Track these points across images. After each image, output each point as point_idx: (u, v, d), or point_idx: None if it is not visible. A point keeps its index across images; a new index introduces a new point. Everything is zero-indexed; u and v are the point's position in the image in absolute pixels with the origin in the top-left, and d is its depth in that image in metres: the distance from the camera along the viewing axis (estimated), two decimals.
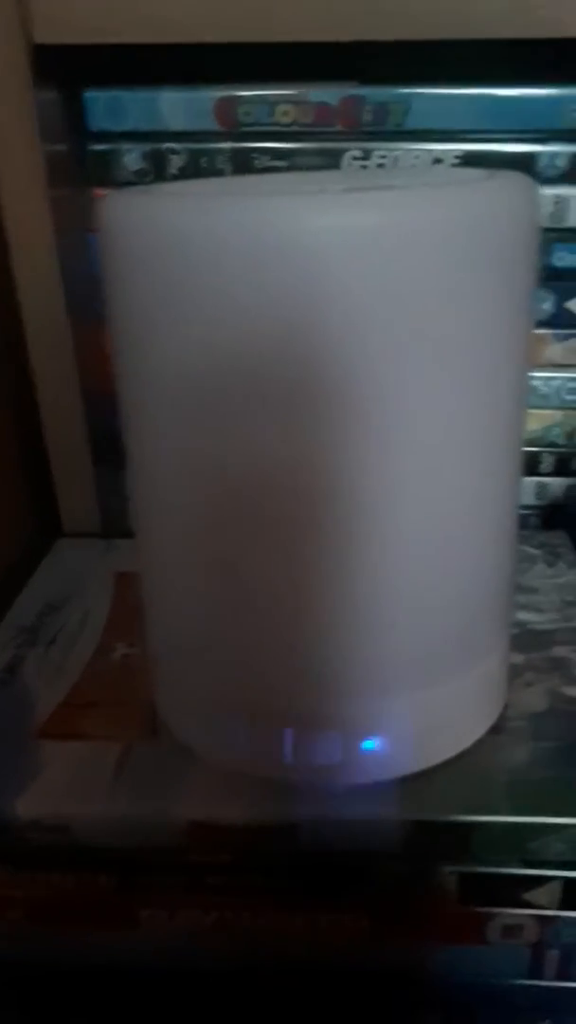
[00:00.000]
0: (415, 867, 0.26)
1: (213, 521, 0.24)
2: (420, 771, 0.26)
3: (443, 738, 0.27)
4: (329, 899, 0.27)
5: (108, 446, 0.42)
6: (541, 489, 0.44)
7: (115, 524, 0.44)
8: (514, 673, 0.31)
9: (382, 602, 0.24)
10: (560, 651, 0.32)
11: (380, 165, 0.37)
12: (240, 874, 0.27)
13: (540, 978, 0.28)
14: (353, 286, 0.19)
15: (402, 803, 0.25)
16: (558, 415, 0.42)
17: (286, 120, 0.37)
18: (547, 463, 0.43)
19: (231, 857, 0.27)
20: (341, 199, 0.19)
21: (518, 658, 0.32)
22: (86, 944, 0.29)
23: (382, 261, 0.19)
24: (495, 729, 0.28)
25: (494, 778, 0.26)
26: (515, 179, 0.22)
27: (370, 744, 0.25)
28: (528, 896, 0.26)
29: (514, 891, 0.26)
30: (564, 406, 0.42)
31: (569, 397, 0.41)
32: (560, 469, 0.43)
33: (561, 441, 0.43)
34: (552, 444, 0.43)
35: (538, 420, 0.42)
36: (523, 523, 0.44)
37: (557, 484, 0.44)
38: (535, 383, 0.41)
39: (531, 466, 0.43)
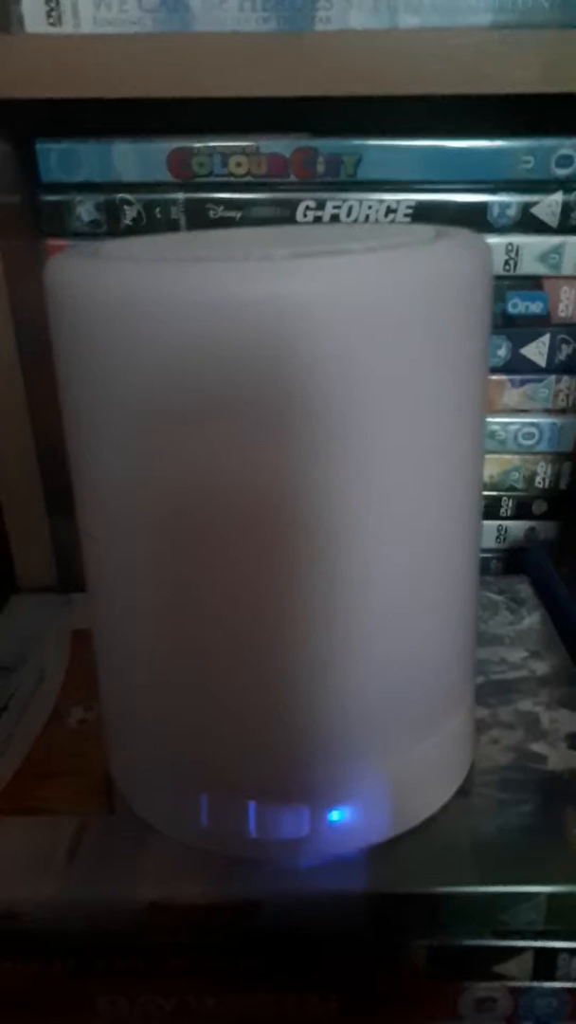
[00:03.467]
0: (383, 942, 0.26)
1: (169, 580, 0.23)
2: (387, 840, 0.25)
3: (410, 805, 0.26)
4: (295, 979, 0.26)
5: (63, 499, 0.41)
6: (501, 533, 0.44)
7: (72, 579, 0.43)
8: (480, 729, 0.30)
9: (351, 665, 0.23)
10: (525, 704, 0.32)
11: (334, 216, 0.38)
12: (202, 956, 0.26)
13: None
14: (296, 352, 0.19)
15: (368, 876, 0.25)
16: (516, 459, 0.42)
17: (240, 171, 0.37)
18: (507, 507, 0.43)
19: (192, 938, 0.25)
20: (283, 267, 0.19)
21: (483, 712, 0.31)
22: None
23: (325, 329, 0.19)
24: (462, 791, 0.27)
25: (462, 846, 0.25)
26: (463, 240, 0.22)
27: (336, 815, 0.25)
28: (500, 968, 0.26)
29: (485, 963, 0.26)
30: (522, 450, 0.42)
31: (526, 441, 0.42)
32: (520, 512, 0.43)
33: (520, 485, 0.43)
34: (511, 488, 0.43)
35: (497, 464, 0.42)
36: (485, 567, 0.44)
37: (517, 527, 0.44)
38: (493, 428, 0.41)
39: (492, 510, 0.43)
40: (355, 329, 0.19)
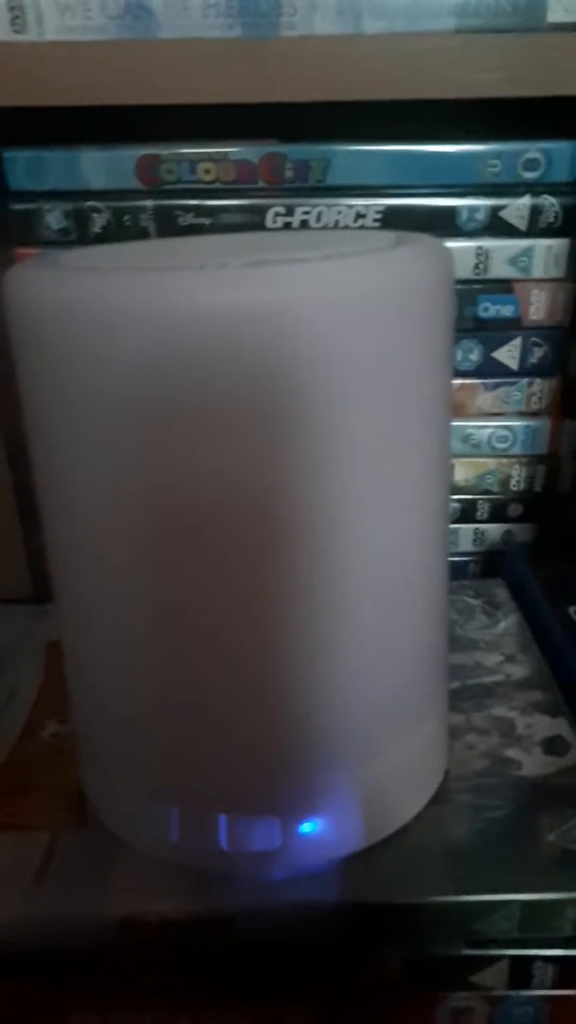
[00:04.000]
0: (358, 953, 0.25)
1: (139, 597, 0.23)
2: (360, 851, 0.25)
3: (383, 814, 0.26)
4: (271, 993, 0.26)
5: (37, 508, 0.41)
6: (478, 536, 0.44)
7: (47, 588, 0.42)
8: (454, 734, 0.30)
9: (322, 675, 0.23)
10: (500, 709, 0.32)
11: (304, 222, 0.37)
12: (176, 972, 0.26)
13: None
14: (253, 361, 0.19)
15: (342, 887, 0.24)
16: (491, 463, 0.42)
17: (208, 178, 0.37)
18: (482, 510, 0.43)
19: (165, 953, 0.25)
20: (238, 276, 0.19)
21: (458, 718, 0.31)
22: None
23: (281, 337, 0.19)
24: (436, 799, 0.27)
25: (436, 855, 0.25)
26: (423, 245, 0.22)
27: (308, 827, 0.24)
28: (475, 978, 0.26)
29: (461, 973, 0.26)
30: (496, 454, 0.42)
31: (500, 445, 0.42)
32: (495, 515, 0.43)
33: (495, 488, 0.43)
34: (486, 491, 0.43)
35: (472, 468, 0.42)
36: (462, 571, 0.44)
37: (493, 530, 0.44)
38: (467, 431, 0.41)
39: (467, 513, 0.43)
40: (312, 337, 0.19)
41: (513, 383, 0.41)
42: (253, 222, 0.38)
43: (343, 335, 0.19)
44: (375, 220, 0.38)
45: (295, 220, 0.38)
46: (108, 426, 0.21)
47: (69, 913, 0.25)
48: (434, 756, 0.28)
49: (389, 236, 0.24)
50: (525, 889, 0.24)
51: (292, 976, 0.26)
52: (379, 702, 0.24)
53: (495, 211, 0.37)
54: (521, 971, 0.25)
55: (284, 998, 0.26)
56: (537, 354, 0.40)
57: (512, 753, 0.29)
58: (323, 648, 0.23)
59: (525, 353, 0.40)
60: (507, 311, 0.39)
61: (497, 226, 0.38)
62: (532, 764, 0.29)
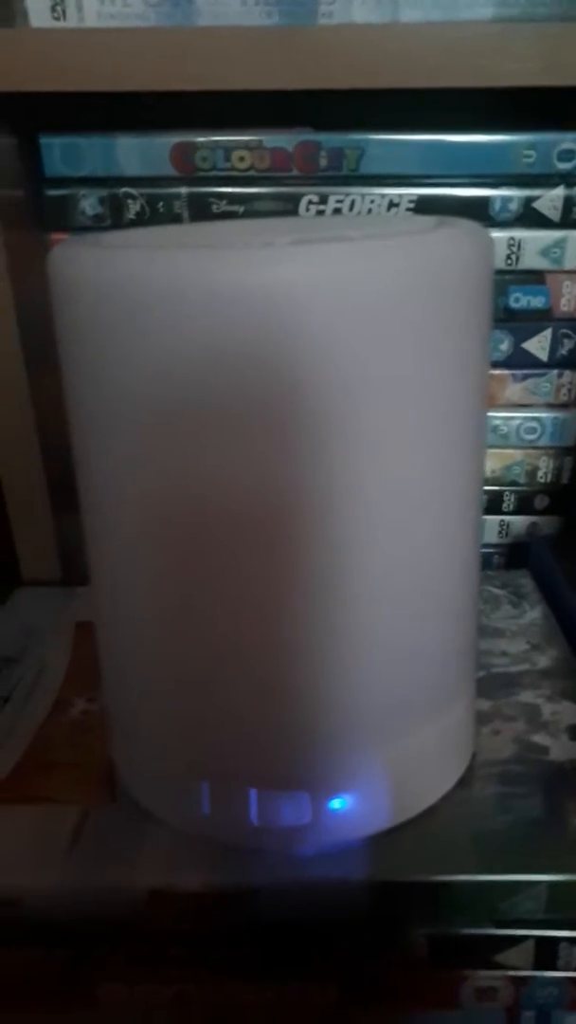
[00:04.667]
0: (384, 930, 0.26)
1: (173, 575, 0.23)
2: (387, 830, 0.25)
3: (411, 794, 0.26)
4: (296, 968, 0.26)
5: (67, 491, 0.41)
6: (504, 527, 0.44)
7: (76, 571, 0.43)
8: (481, 720, 0.30)
9: (352, 653, 0.23)
10: (527, 696, 0.32)
11: (337, 210, 0.38)
12: (202, 944, 0.26)
13: None
14: (298, 338, 0.19)
15: (369, 864, 0.25)
16: (518, 454, 0.42)
17: (243, 165, 0.37)
18: (509, 502, 0.43)
19: (192, 926, 0.25)
20: (285, 253, 0.19)
21: (485, 705, 0.31)
22: None
23: (326, 315, 0.19)
24: (463, 782, 0.27)
25: (463, 835, 0.25)
26: (464, 228, 0.22)
27: (338, 804, 0.25)
28: (501, 957, 0.26)
29: (486, 952, 0.26)
30: (523, 445, 0.42)
31: (528, 436, 0.42)
32: (522, 507, 0.43)
33: (522, 480, 0.43)
34: (513, 483, 0.43)
35: (499, 459, 0.42)
36: (487, 562, 0.44)
37: (519, 522, 0.44)
38: (495, 423, 0.42)
39: (494, 505, 0.43)
40: (355, 315, 0.19)
41: (542, 374, 0.41)
42: (287, 210, 0.38)
43: (388, 312, 0.20)
44: (408, 209, 0.38)
45: (328, 208, 0.38)
46: (153, 405, 0.21)
47: (98, 885, 0.25)
48: (461, 739, 0.28)
49: (430, 220, 0.24)
50: (552, 870, 0.24)
51: (318, 952, 0.26)
52: (406, 685, 0.25)
53: (528, 202, 0.37)
54: (547, 952, 0.26)
55: (309, 973, 0.26)
56: (567, 345, 0.40)
57: (539, 739, 0.29)
58: (352, 633, 0.23)
59: (555, 344, 0.40)
60: (538, 302, 0.39)
61: (530, 217, 0.38)
62: (559, 749, 0.29)
